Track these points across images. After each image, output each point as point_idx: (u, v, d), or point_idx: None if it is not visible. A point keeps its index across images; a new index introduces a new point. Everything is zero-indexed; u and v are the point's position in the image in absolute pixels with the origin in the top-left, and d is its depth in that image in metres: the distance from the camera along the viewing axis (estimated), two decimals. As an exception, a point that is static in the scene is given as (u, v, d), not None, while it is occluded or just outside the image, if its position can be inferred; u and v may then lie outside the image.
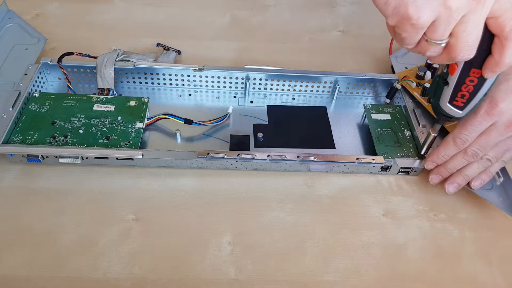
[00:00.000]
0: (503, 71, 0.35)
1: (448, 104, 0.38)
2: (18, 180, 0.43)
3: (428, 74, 0.52)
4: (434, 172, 0.45)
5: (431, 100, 0.41)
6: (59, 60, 0.50)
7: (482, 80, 0.35)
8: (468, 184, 0.44)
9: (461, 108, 0.38)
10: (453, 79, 0.36)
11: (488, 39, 0.32)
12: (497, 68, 0.33)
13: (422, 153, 0.45)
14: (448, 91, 0.37)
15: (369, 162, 0.44)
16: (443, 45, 0.32)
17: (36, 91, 0.49)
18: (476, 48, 0.32)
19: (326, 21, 0.67)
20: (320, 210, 0.44)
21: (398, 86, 0.52)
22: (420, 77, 0.52)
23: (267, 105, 0.53)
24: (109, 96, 0.49)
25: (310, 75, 0.52)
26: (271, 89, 0.53)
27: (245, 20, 0.66)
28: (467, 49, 0.32)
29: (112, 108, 0.47)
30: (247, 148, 0.47)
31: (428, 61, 0.53)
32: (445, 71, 0.37)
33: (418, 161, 0.45)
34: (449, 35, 0.31)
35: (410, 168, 0.46)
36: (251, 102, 0.53)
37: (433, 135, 0.43)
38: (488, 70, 0.34)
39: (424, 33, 0.32)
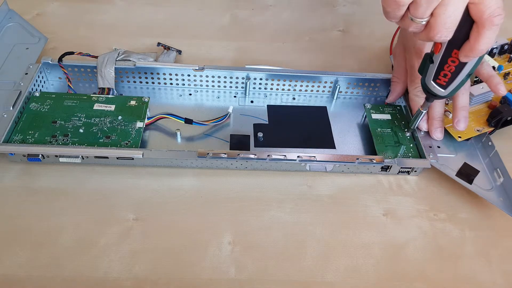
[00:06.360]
0: None
1: (432, 81, 0.39)
2: (19, 180, 0.44)
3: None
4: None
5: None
6: (60, 59, 0.50)
7: (463, 62, 0.36)
8: (469, 183, 0.44)
9: (444, 87, 0.39)
10: (437, 58, 0.37)
11: (469, 23, 0.33)
12: (471, 54, 0.34)
13: (412, 127, 0.47)
14: (432, 69, 0.39)
15: (369, 162, 0.44)
16: (423, 23, 0.34)
17: (36, 90, 0.49)
18: (453, 31, 0.33)
19: (326, 21, 0.67)
20: (320, 210, 0.44)
21: (398, 86, 0.52)
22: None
23: (267, 105, 0.53)
24: (110, 96, 0.49)
25: (310, 75, 0.52)
26: (271, 89, 0.53)
27: (245, 20, 0.66)
28: (444, 31, 0.33)
29: (112, 107, 0.47)
30: (247, 148, 0.47)
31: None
32: (432, 49, 0.38)
33: (418, 161, 0.45)
34: (430, 15, 0.33)
35: (410, 168, 0.46)
36: (251, 101, 0.53)
37: (423, 111, 0.45)
38: (463, 54, 0.35)
39: (409, 10, 0.34)
